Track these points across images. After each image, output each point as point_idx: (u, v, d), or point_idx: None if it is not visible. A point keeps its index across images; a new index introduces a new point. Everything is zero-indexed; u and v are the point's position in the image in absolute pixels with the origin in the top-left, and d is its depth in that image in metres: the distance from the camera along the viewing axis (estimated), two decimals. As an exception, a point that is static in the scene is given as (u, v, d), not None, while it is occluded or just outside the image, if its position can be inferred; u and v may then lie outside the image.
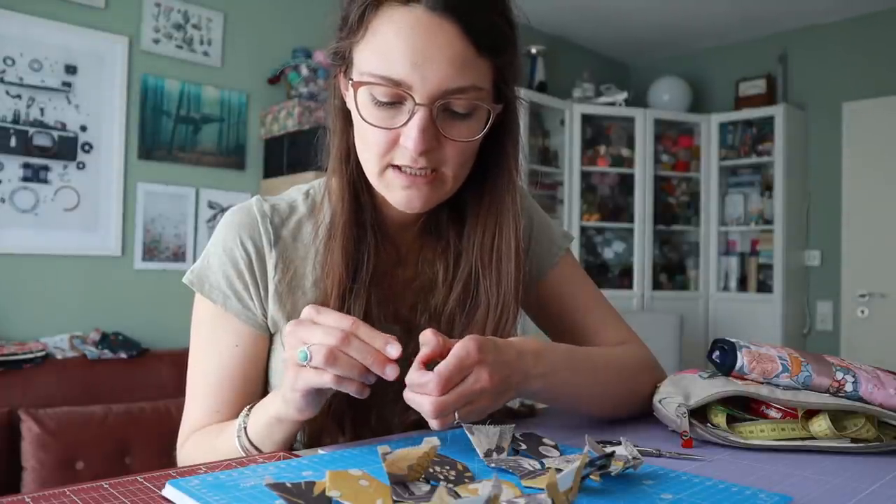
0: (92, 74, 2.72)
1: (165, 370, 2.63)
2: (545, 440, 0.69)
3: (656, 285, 4.49)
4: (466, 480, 0.57)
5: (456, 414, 0.63)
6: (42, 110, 2.61)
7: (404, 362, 0.64)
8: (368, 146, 0.75)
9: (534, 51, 4.22)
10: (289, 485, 0.48)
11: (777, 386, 0.77)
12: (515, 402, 0.95)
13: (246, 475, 0.59)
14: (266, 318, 0.82)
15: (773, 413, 0.76)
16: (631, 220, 4.43)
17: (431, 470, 0.57)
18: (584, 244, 4.43)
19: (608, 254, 4.52)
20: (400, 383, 0.64)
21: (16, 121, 2.55)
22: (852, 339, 4.19)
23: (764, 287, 4.34)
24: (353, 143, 0.80)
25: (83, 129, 2.70)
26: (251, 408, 0.76)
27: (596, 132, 4.54)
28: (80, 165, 2.69)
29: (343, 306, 0.78)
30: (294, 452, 0.70)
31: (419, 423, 0.80)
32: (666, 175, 4.56)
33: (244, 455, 0.72)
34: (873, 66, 4.15)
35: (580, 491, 0.55)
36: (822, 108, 4.36)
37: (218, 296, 0.81)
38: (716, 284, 4.54)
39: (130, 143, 2.83)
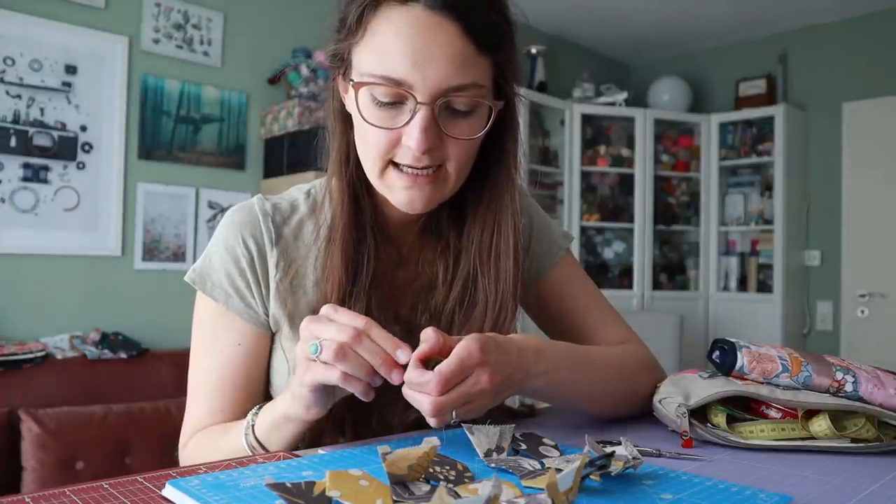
0: (92, 74, 2.72)
1: (165, 370, 2.63)
2: (545, 440, 0.69)
3: (656, 285, 4.49)
4: (466, 480, 0.57)
5: (454, 412, 0.63)
6: (42, 110, 2.61)
7: None
8: (369, 147, 0.75)
9: (534, 51, 4.22)
10: (289, 485, 0.48)
11: (777, 386, 0.77)
12: (515, 402, 0.95)
13: (246, 475, 0.59)
14: (267, 317, 0.82)
15: (773, 413, 0.76)
16: (631, 220, 4.43)
17: (431, 470, 0.57)
18: (584, 244, 4.43)
19: (608, 254, 4.52)
20: (401, 385, 0.64)
21: (16, 121, 2.55)
22: (852, 339, 4.19)
23: (764, 287, 4.34)
24: (353, 146, 0.80)
25: (83, 129, 2.70)
26: (260, 407, 0.76)
27: (596, 132, 4.54)
28: (80, 165, 2.69)
29: None
30: (294, 452, 0.70)
31: (419, 423, 0.80)
32: (666, 175, 4.56)
33: (250, 454, 0.72)
34: (873, 66, 4.15)
35: (580, 491, 0.55)
36: (822, 108, 4.37)
37: (220, 294, 0.81)
38: (716, 284, 4.54)
39: (130, 143, 2.83)
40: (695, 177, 4.58)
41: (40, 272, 2.61)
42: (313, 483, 0.49)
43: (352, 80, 0.74)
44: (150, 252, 2.87)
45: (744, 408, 0.78)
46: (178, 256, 2.95)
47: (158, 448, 2.36)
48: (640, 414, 0.87)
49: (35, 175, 2.59)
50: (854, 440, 0.72)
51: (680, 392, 0.78)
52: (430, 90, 0.70)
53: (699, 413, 0.76)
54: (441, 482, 0.55)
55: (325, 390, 0.67)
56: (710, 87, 4.86)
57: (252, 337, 0.82)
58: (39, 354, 2.39)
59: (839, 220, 4.27)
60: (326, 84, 0.84)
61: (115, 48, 2.78)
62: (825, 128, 4.35)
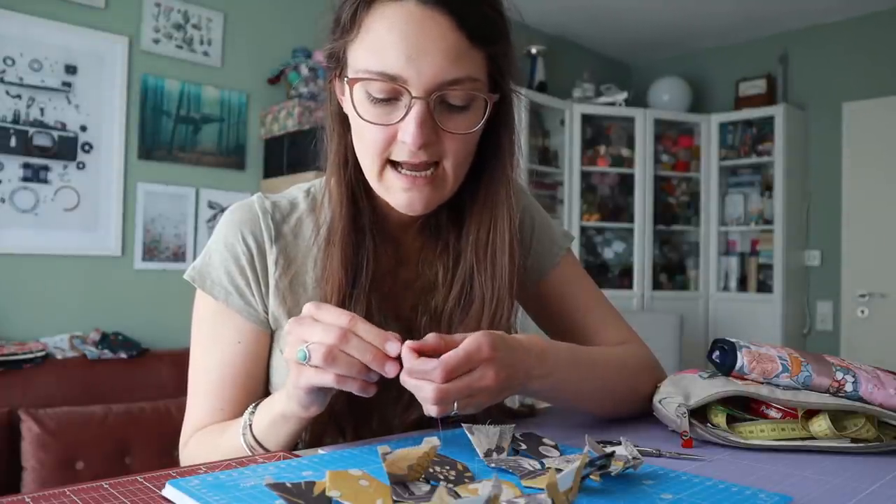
0: (92, 74, 2.72)
1: (165, 370, 2.63)
2: (545, 440, 0.69)
3: (656, 285, 4.49)
4: (466, 480, 0.57)
5: (455, 404, 0.62)
6: (42, 110, 2.61)
7: None
8: (366, 145, 0.75)
9: (534, 51, 4.22)
10: (289, 485, 0.48)
11: (777, 386, 0.77)
12: (515, 402, 0.95)
13: (246, 475, 0.59)
14: (267, 315, 0.82)
15: (773, 413, 0.76)
16: (631, 220, 4.43)
17: (431, 470, 0.57)
18: (584, 244, 4.43)
19: (608, 254, 4.52)
20: (401, 384, 0.64)
21: (16, 121, 2.55)
22: (852, 339, 4.19)
23: (764, 287, 4.34)
24: (351, 148, 0.80)
25: (83, 129, 2.70)
26: (256, 405, 0.75)
27: (596, 132, 4.54)
28: (80, 165, 2.69)
29: None
30: (294, 452, 0.70)
31: (420, 423, 0.80)
32: (666, 175, 4.56)
33: (249, 453, 0.72)
34: (874, 66, 4.15)
35: (580, 491, 0.55)
36: (822, 108, 4.37)
37: (220, 292, 0.81)
38: (716, 284, 4.54)
39: (130, 143, 2.83)
40: (695, 177, 4.58)
41: (40, 272, 2.61)
42: (313, 483, 0.49)
43: (347, 78, 0.74)
44: (150, 252, 2.87)
45: (744, 408, 0.78)
46: (178, 256, 2.95)
47: (158, 448, 2.36)
48: (641, 414, 0.87)
49: (35, 175, 2.59)
50: (854, 440, 0.72)
51: (680, 392, 0.78)
52: (424, 84, 0.70)
53: (699, 413, 0.76)
54: (441, 482, 0.55)
55: (320, 390, 0.66)
56: (711, 87, 4.86)
57: (252, 335, 0.82)
58: (39, 354, 2.39)
59: (839, 220, 4.27)
60: (324, 85, 0.84)
61: (115, 48, 2.78)
62: (825, 128, 4.35)
